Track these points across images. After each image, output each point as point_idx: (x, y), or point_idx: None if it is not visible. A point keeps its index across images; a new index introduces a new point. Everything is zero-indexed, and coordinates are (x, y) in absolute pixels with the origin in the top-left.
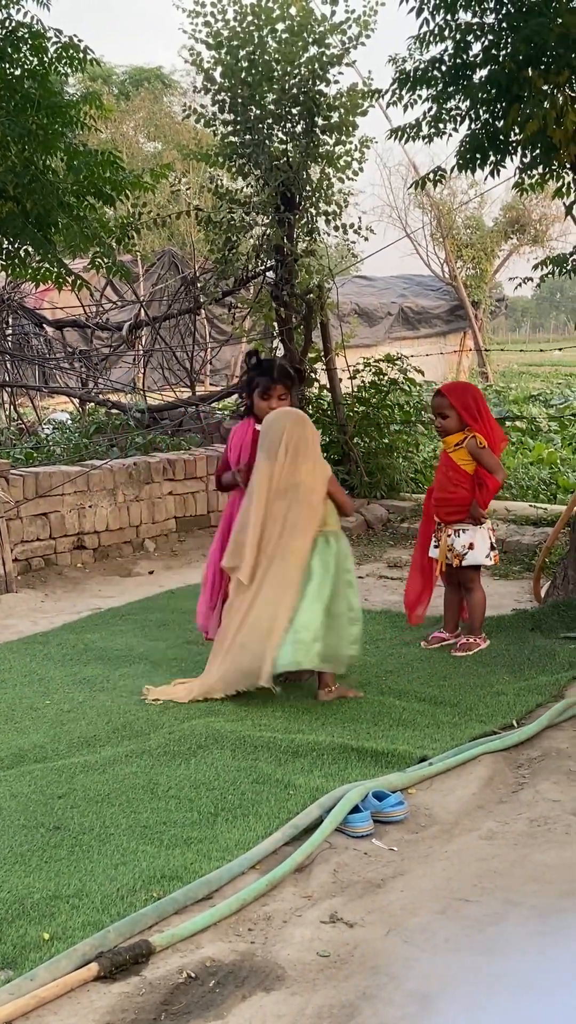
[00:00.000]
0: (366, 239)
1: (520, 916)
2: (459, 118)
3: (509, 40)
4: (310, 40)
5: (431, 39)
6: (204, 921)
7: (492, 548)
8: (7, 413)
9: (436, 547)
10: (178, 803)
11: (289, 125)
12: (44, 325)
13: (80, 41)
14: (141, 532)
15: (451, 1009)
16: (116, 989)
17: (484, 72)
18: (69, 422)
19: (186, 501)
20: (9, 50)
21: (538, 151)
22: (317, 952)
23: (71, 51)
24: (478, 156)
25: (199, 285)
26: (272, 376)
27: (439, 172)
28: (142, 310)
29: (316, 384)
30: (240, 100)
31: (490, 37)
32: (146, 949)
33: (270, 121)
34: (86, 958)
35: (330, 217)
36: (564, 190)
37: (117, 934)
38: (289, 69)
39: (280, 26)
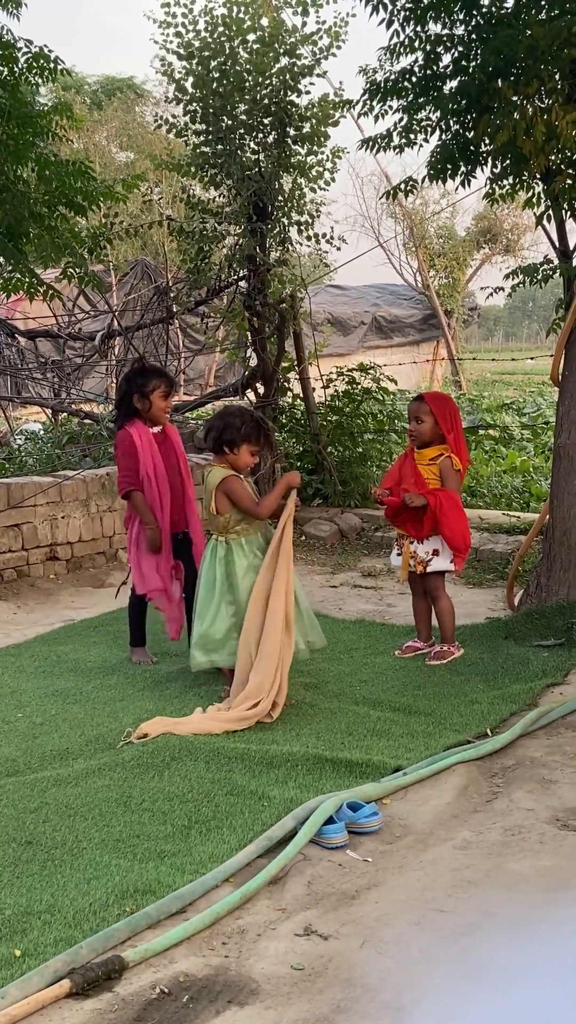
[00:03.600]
0: (339, 249)
1: (495, 926)
2: (430, 129)
3: (479, 51)
4: (281, 51)
5: (401, 50)
6: (177, 935)
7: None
8: None
9: (399, 555)
10: (151, 816)
11: (261, 135)
12: (16, 335)
13: (51, 51)
14: (114, 543)
15: (426, 1020)
16: (89, 1006)
17: (454, 83)
18: (41, 432)
19: None
20: None
21: (508, 162)
22: (291, 965)
23: (42, 61)
24: (449, 166)
25: (172, 295)
26: (168, 377)
27: (411, 182)
28: (115, 320)
29: (290, 393)
30: (212, 110)
31: (460, 48)
32: (119, 965)
33: (242, 131)
34: (58, 975)
35: (302, 227)
36: (534, 200)
37: (89, 950)
38: (260, 80)
39: (251, 37)
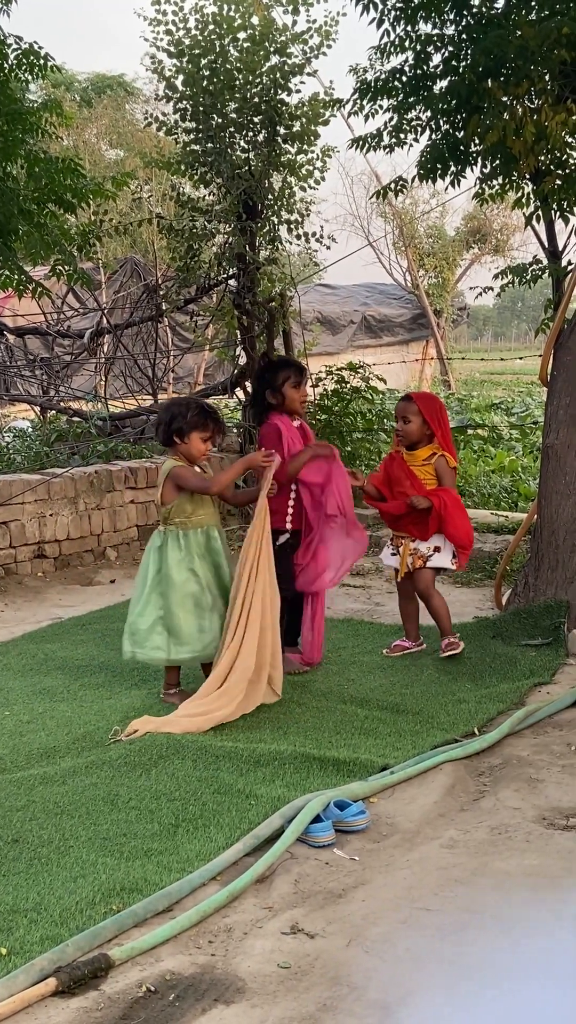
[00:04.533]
0: (328, 248)
1: (481, 924)
2: (420, 128)
3: (469, 51)
4: (271, 49)
5: (392, 50)
6: (164, 934)
7: (454, 554)
8: None
9: (393, 554)
10: (138, 814)
11: (251, 134)
12: (5, 332)
13: (41, 48)
14: (103, 541)
15: (412, 1019)
16: (75, 1004)
17: (444, 83)
18: (30, 430)
19: (148, 509)
20: None
21: (498, 162)
22: (278, 964)
23: (31, 57)
24: (439, 166)
25: (161, 293)
26: (298, 367)
27: (400, 182)
28: (104, 317)
29: None
30: (202, 108)
31: (450, 48)
32: (105, 963)
33: (232, 130)
34: (44, 973)
35: (292, 225)
36: (524, 200)
37: (76, 948)
38: (251, 78)
39: (242, 35)
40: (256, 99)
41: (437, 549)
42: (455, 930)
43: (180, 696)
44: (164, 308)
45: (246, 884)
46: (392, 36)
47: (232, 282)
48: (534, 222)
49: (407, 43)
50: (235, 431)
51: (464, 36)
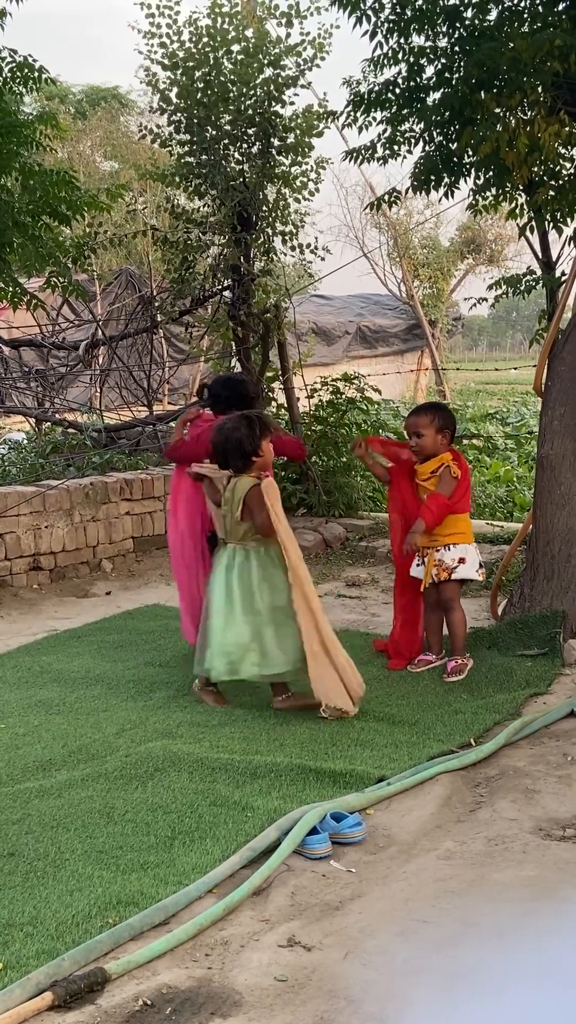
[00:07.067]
0: (323, 259)
1: (478, 936)
2: (413, 140)
3: (462, 63)
4: (265, 61)
5: (385, 62)
6: (161, 947)
7: (480, 565)
8: None
9: (419, 565)
10: (135, 827)
11: (245, 146)
12: None
13: (35, 60)
14: (98, 552)
15: None
16: (71, 1018)
17: (437, 95)
18: (25, 442)
19: (143, 521)
20: None
21: (491, 173)
22: (275, 977)
23: (26, 70)
24: (433, 178)
25: (156, 304)
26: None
27: (395, 193)
28: (99, 329)
29: (274, 403)
30: (196, 120)
31: (443, 60)
32: (101, 977)
33: (226, 141)
34: (40, 987)
35: (287, 237)
36: (517, 211)
37: (72, 962)
38: (245, 90)
39: (235, 47)
40: (250, 111)
41: (462, 560)
42: (452, 942)
43: (212, 695)
44: (159, 320)
45: (243, 897)
46: (385, 48)
47: (227, 293)
48: (528, 233)
49: (400, 55)
50: None
51: (457, 48)
